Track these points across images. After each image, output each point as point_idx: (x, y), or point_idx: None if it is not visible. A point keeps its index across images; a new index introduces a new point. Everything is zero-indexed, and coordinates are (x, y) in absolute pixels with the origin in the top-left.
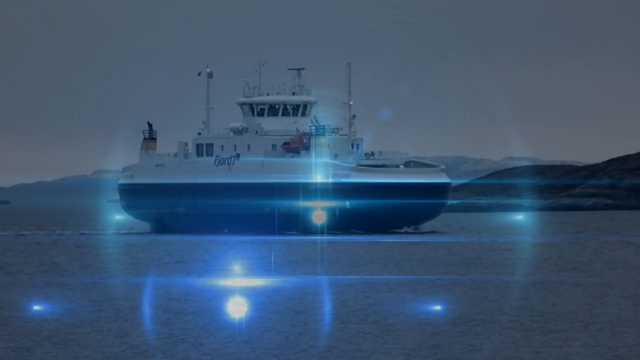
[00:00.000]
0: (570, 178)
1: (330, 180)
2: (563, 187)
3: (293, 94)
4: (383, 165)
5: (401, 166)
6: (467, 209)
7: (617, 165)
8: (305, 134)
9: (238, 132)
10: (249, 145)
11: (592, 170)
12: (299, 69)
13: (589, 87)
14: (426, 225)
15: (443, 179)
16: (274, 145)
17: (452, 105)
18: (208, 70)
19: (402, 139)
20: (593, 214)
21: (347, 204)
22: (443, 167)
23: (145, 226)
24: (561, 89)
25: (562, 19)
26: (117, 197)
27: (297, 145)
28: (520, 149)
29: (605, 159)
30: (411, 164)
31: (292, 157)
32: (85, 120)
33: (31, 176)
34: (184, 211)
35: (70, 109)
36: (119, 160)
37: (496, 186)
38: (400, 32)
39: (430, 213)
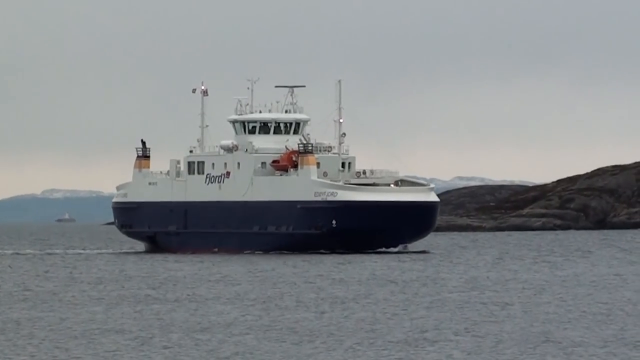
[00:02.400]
0: (520, 198)
1: (316, 198)
2: (512, 207)
3: (286, 111)
4: (373, 184)
5: (392, 185)
6: None
7: (566, 185)
8: (294, 152)
9: (228, 150)
10: (238, 163)
11: (542, 191)
12: (291, 87)
13: (539, 107)
14: (414, 245)
15: (431, 198)
16: (263, 164)
17: (403, 124)
18: (203, 87)
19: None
20: (540, 234)
21: (334, 222)
22: (432, 186)
23: (140, 245)
24: (511, 110)
25: (512, 39)
26: (64, 216)
27: (285, 164)
28: (469, 168)
29: (555, 179)
30: (399, 183)
31: (281, 175)
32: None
33: None
34: (175, 230)
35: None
36: (66, 179)
37: (445, 206)
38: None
39: (418, 232)
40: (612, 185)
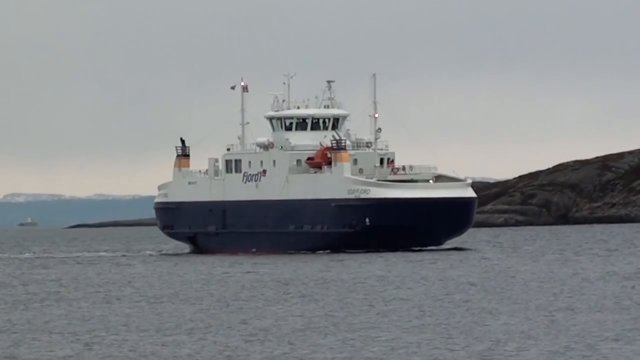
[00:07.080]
0: (482, 195)
1: (350, 196)
2: None
3: (326, 107)
4: (411, 180)
5: (431, 181)
6: None
7: (528, 181)
8: (328, 149)
9: (264, 147)
10: (274, 161)
11: (504, 187)
12: (329, 81)
13: (498, 103)
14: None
15: (468, 193)
16: (298, 161)
17: (362, 121)
18: (243, 83)
19: None
20: (501, 230)
21: (367, 220)
22: (469, 181)
23: (184, 247)
24: (470, 105)
25: (470, 35)
26: (26, 220)
27: (319, 161)
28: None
29: (516, 175)
30: (434, 179)
31: (315, 172)
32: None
33: None
34: (214, 230)
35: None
36: (28, 183)
37: None
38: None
39: (455, 230)
40: (573, 180)
